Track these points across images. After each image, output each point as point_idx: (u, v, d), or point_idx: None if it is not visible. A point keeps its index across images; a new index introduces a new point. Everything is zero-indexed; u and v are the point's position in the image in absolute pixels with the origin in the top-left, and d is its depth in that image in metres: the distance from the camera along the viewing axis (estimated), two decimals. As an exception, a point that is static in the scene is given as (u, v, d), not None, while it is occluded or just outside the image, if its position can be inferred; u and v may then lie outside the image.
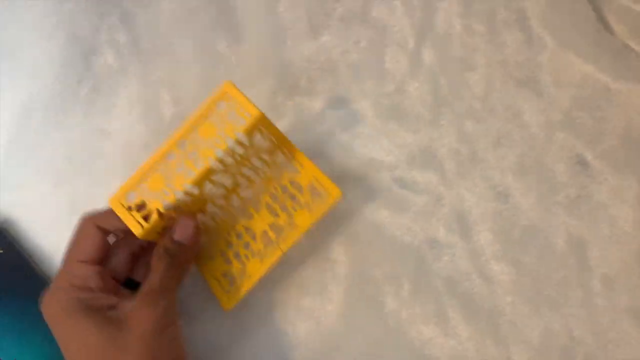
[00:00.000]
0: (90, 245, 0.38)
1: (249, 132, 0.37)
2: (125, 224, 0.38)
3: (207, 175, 0.37)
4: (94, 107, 0.50)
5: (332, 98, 0.48)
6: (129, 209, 0.37)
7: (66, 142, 0.50)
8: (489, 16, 0.49)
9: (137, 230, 0.37)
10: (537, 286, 0.41)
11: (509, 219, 0.43)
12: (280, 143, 0.43)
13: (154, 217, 0.37)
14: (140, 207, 0.37)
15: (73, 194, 0.49)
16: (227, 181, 0.42)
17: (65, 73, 0.51)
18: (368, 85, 0.49)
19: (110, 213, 0.39)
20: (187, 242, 0.39)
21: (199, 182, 0.37)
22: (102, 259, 0.39)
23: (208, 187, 0.39)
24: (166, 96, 0.50)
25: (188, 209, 0.40)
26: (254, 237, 0.44)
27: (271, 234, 0.44)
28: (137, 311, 0.35)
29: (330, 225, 0.44)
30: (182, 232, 0.39)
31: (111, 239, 0.41)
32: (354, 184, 0.46)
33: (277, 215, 0.44)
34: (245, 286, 0.43)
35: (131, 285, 0.41)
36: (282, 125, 0.47)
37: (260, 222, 0.45)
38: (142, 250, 0.42)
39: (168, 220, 0.39)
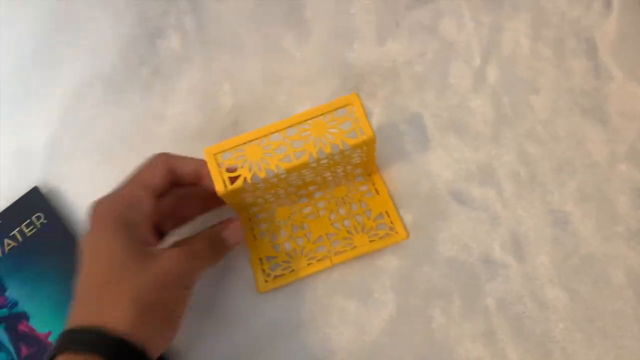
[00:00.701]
0: (157, 176, 0.38)
1: (355, 148, 0.38)
2: (194, 173, 0.39)
3: (302, 167, 0.38)
4: (153, 89, 0.50)
5: (392, 105, 0.48)
6: (220, 165, 0.37)
7: (120, 121, 0.49)
8: (557, 42, 0.49)
9: (219, 188, 0.37)
10: (591, 315, 0.40)
11: (567, 246, 0.42)
12: (369, 164, 0.43)
13: (239, 183, 0.37)
14: (230, 169, 0.37)
15: (120, 172, 0.49)
16: (309, 176, 0.41)
17: (128, 53, 0.51)
18: (429, 97, 0.48)
19: (184, 158, 0.39)
20: (228, 245, 0.40)
21: (291, 170, 0.38)
22: (159, 195, 0.39)
23: (291, 176, 0.39)
24: (226, 86, 0.49)
25: (266, 187, 0.40)
26: (308, 237, 0.44)
27: (326, 241, 0.43)
28: (172, 253, 0.35)
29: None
30: (231, 234, 0.40)
31: None
32: (408, 192, 0.45)
33: (337, 227, 0.44)
34: (286, 279, 0.42)
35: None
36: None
37: (320, 226, 0.44)
38: (178, 206, 0.41)
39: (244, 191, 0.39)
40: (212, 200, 0.39)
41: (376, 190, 0.45)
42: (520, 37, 0.49)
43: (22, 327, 0.42)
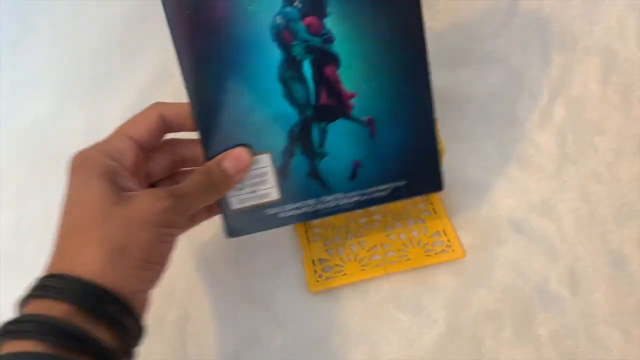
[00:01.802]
0: (145, 125, 0.37)
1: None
2: (185, 119, 0.37)
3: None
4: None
5: (456, 131, 0.49)
6: None
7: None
8: (625, 89, 0.50)
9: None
10: (644, 360, 0.40)
11: (624, 287, 0.42)
12: None
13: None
14: None
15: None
16: None
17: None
18: (494, 127, 0.49)
19: (175, 103, 0.38)
20: (231, 173, 0.37)
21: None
22: (147, 147, 0.37)
23: None
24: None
25: None
26: (362, 245, 0.44)
27: (380, 250, 0.44)
28: (144, 195, 0.33)
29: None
30: (233, 162, 0.37)
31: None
32: (467, 216, 0.45)
33: (392, 239, 0.44)
34: (339, 281, 0.43)
35: None
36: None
37: (375, 236, 0.45)
38: (180, 164, 0.40)
39: None
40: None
41: (434, 210, 0.46)
42: (590, 80, 0.50)
43: (328, 71, 0.36)
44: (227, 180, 0.37)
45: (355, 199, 0.40)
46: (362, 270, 0.43)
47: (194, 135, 0.38)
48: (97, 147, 0.36)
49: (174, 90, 0.51)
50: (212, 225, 0.44)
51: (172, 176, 0.41)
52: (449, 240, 0.44)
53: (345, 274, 0.43)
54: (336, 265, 0.44)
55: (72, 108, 0.52)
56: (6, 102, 0.55)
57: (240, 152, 0.37)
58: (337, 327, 0.42)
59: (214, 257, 0.46)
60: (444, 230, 0.44)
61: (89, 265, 0.30)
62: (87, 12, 0.52)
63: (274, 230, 0.42)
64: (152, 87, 0.51)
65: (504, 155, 0.48)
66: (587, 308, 0.41)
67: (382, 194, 0.40)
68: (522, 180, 0.47)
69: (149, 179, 0.39)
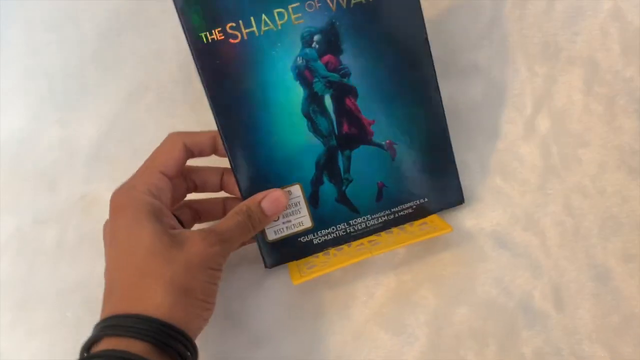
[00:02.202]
0: (174, 159, 0.39)
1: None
2: (204, 146, 0.40)
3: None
4: (205, 102, 0.50)
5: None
6: None
7: (169, 129, 0.50)
8: (609, 99, 0.49)
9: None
10: (631, 378, 0.39)
11: (609, 303, 0.41)
12: None
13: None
14: None
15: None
16: None
17: (187, 63, 0.51)
18: (478, 139, 0.48)
19: (197, 133, 0.40)
20: (269, 215, 0.39)
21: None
22: (173, 177, 0.39)
23: None
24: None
25: None
26: (350, 245, 0.43)
27: (367, 245, 0.43)
28: (197, 238, 0.35)
29: (421, 268, 0.43)
30: (271, 204, 0.39)
31: None
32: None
33: (379, 235, 0.43)
34: (323, 270, 0.41)
35: None
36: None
37: (363, 239, 0.44)
38: (192, 189, 0.42)
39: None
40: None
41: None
42: (573, 91, 0.50)
43: (348, 103, 0.40)
44: (265, 221, 0.39)
45: (384, 219, 0.42)
46: (348, 255, 0.42)
47: (207, 161, 0.42)
48: (137, 186, 0.37)
49: (149, 104, 0.51)
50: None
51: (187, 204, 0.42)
52: (434, 223, 0.43)
53: (330, 265, 0.42)
54: (321, 262, 0.43)
55: (46, 123, 0.51)
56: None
57: (279, 195, 0.40)
58: (318, 345, 0.41)
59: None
60: (430, 219, 0.43)
61: (160, 307, 0.32)
62: (60, 26, 0.51)
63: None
64: (127, 102, 0.50)
65: (486, 168, 0.47)
66: (572, 325, 0.41)
67: (409, 211, 0.43)
68: (506, 194, 0.46)
69: (177, 205, 0.40)
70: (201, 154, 0.41)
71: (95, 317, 0.43)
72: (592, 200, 0.45)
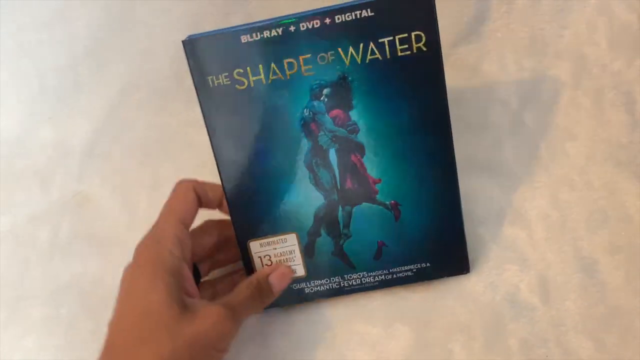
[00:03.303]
0: (190, 208, 0.39)
1: None
2: (210, 197, 0.40)
3: None
4: (196, 100, 0.51)
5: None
6: None
7: (161, 126, 0.50)
8: (596, 93, 0.49)
9: None
10: (615, 368, 0.39)
11: (594, 295, 0.42)
12: None
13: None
14: None
15: (155, 177, 0.50)
16: None
17: (178, 61, 0.51)
18: (464, 134, 0.49)
19: (210, 184, 0.40)
20: (276, 290, 0.39)
21: None
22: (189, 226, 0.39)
23: None
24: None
25: None
26: None
27: None
28: (210, 314, 0.34)
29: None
30: (278, 279, 0.39)
31: None
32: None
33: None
34: None
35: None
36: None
37: None
38: (223, 244, 0.42)
39: None
40: None
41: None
42: (560, 85, 0.50)
43: (354, 159, 0.39)
44: (272, 296, 0.39)
45: (380, 277, 0.41)
46: None
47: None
48: (162, 241, 0.36)
49: (141, 101, 0.51)
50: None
51: (211, 255, 0.42)
52: None
53: None
54: None
55: (38, 122, 0.51)
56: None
57: (285, 271, 0.40)
58: (306, 343, 0.41)
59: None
60: None
61: None
62: (51, 25, 0.52)
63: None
64: (119, 101, 0.51)
65: (474, 163, 0.47)
66: (558, 316, 0.41)
67: (408, 274, 0.41)
68: (493, 188, 0.46)
69: (192, 259, 0.39)
70: (207, 206, 0.41)
71: (89, 314, 0.44)
72: (579, 193, 0.45)
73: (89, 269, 0.47)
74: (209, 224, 0.42)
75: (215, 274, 0.44)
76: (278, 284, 0.39)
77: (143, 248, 0.37)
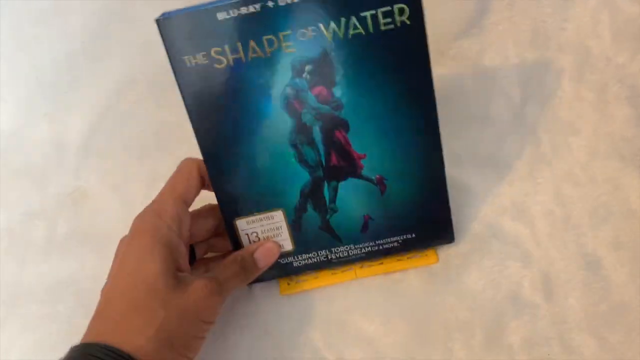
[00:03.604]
0: (193, 187, 0.39)
1: None
2: None
3: None
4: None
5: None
6: None
7: (159, 121, 0.50)
8: (601, 86, 0.49)
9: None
10: (619, 366, 0.39)
11: (598, 292, 0.41)
12: None
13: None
14: None
15: (152, 173, 0.49)
16: None
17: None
18: (467, 127, 0.48)
19: None
20: (261, 266, 0.40)
21: None
22: (190, 204, 0.40)
23: None
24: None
25: None
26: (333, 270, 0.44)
27: (353, 269, 0.43)
28: (199, 286, 0.35)
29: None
30: (264, 255, 0.40)
31: None
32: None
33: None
34: (309, 285, 0.43)
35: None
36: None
37: None
38: (221, 228, 0.42)
39: None
40: None
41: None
42: (564, 78, 0.49)
43: (338, 135, 0.38)
44: (257, 271, 0.40)
45: (367, 249, 0.42)
46: (333, 274, 0.42)
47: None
48: (162, 215, 0.37)
49: (138, 99, 0.51)
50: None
51: (208, 239, 0.43)
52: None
53: (317, 277, 0.43)
54: (310, 279, 0.43)
55: (35, 118, 0.51)
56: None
57: (271, 246, 0.40)
58: (305, 334, 0.41)
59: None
60: None
61: (141, 349, 0.32)
62: (47, 21, 0.51)
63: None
64: (116, 96, 0.50)
65: (476, 157, 0.47)
66: (561, 314, 0.40)
67: (394, 245, 0.42)
68: (496, 183, 0.46)
69: (190, 240, 0.40)
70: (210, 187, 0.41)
71: (87, 311, 0.43)
72: (582, 189, 0.45)
73: (86, 265, 0.47)
74: (207, 208, 0.42)
75: (208, 254, 0.44)
76: (263, 259, 0.40)
77: (141, 220, 0.37)
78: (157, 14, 0.51)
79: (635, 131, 0.47)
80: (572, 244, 0.43)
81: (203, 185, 0.40)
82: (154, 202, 0.39)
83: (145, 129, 0.50)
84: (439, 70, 0.49)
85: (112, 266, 0.37)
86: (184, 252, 0.37)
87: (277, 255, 0.41)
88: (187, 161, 0.40)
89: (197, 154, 0.46)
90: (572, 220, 0.44)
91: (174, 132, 0.49)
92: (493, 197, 0.45)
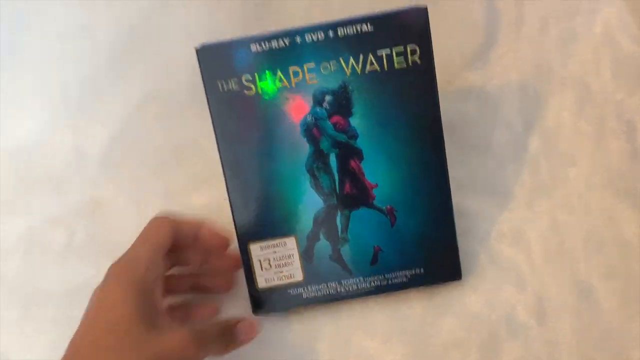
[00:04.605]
0: (167, 238, 0.39)
1: None
2: (193, 234, 0.42)
3: None
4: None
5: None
6: None
7: (176, 137, 0.52)
8: (599, 120, 0.51)
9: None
10: (607, 390, 0.41)
11: (589, 317, 0.43)
12: None
13: None
14: None
15: (167, 186, 0.51)
16: None
17: (196, 73, 0.53)
18: (470, 157, 0.50)
19: (185, 222, 0.41)
20: (237, 340, 0.39)
21: None
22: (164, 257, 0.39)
23: None
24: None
25: None
26: None
27: None
28: (178, 334, 0.35)
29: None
30: (244, 330, 0.39)
31: None
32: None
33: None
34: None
35: None
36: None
37: None
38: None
39: None
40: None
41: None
42: (564, 111, 0.51)
43: (352, 164, 0.41)
44: (235, 344, 0.39)
45: (376, 283, 0.43)
46: None
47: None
48: (136, 259, 0.37)
49: (157, 114, 0.53)
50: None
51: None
52: None
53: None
54: None
55: (59, 129, 0.53)
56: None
57: (254, 323, 0.40)
58: (305, 351, 0.43)
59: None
60: None
61: None
62: (74, 37, 0.54)
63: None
64: (137, 111, 0.53)
65: (478, 184, 0.49)
66: (553, 337, 0.42)
67: (402, 279, 0.43)
68: (494, 209, 0.48)
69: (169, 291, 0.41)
70: (182, 242, 0.41)
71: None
72: (578, 218, 0.47)
73: (101, 272, 0.48)
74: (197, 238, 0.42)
75: (189, 299, 0.45)
76: (244, 333, 0.39)
77: (116, 267, 0.37)
78: (178, 35, 0.54)
79: (630, 165, 0.49)
80: (566, 270, 0.45)
81: (175, 242, 0.40)
82: (127, 250, 0.39)
83: (162, 143, 0.52)
84: (445, 100, 0.51)
85: (84, 314, 0.36)
86: (160, 297, 0.37)
87: (256, 333, 0.40)
88: (158, 218, 0.41)
89: (211, 171, 0.49)
90: (567, 248, 0.46)
91: (190, 149, 0.51)
92: (492, 223, 0.47)
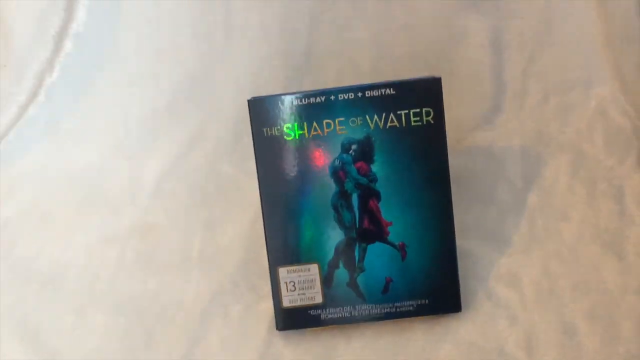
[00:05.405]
0: None
1: None
2: None
3: None
4: (251, 154, 0.60)
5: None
6: None
7: (220, 173, 0.60)
8: (591, 183, 0.57)
9: None
10: (586, 421, 0.45)
11: (572, 354, 0.48)
12: None
13: None
14: None
15: (209, 217, 0.59)
16: None
17: (240, 121, 0.61)
18: (474, 208, 0.57)
19: None
20: None
21: None
22: None
23: None
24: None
25: None
26: None
27: None
28: None
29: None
30: None
31: None
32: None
33: None
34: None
35: None
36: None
37: None
38: None
39: None
40: None
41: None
42: (560, 173, 0.58)
43: (371, 203, 0.47)
44: None
45: (386, 310, 0.49)
46: None
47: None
48: None
49: (205, 153, 0.61)
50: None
51: None
52: None
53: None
54: None
55: (117, 160, 0.61)
56: (62, 149, 0.65)
57: None
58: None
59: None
60: None
61: None
62: (141, 82, 0.63)
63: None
64: (187, 149, 0.61)
65: (479, 231, 0.55)
66: (539, 369, 0.48)
67: (409, 309, 0.48)
68: (494, 254, 0.54)
69: None
70: None
71: (143, 326, 0.51)
72: (567, 267, 0.53)
73: (147, 288, 0.55)
74: None
75: None
76: None
77: None
78: (230, 87, 0.63)
79: (617, 224, 0.55)
80: (554, 311, 0.50)
81: None
82: None
83: (207, 179, 0.60)
84: (454, 156, 0.58)
85: None
86: None
87: None
88: None
89: (248, 205, 0.57)
90: (556, 292, 0.51)
91: (232, 184, 0.59)
92: (491, 265, 0.53)
